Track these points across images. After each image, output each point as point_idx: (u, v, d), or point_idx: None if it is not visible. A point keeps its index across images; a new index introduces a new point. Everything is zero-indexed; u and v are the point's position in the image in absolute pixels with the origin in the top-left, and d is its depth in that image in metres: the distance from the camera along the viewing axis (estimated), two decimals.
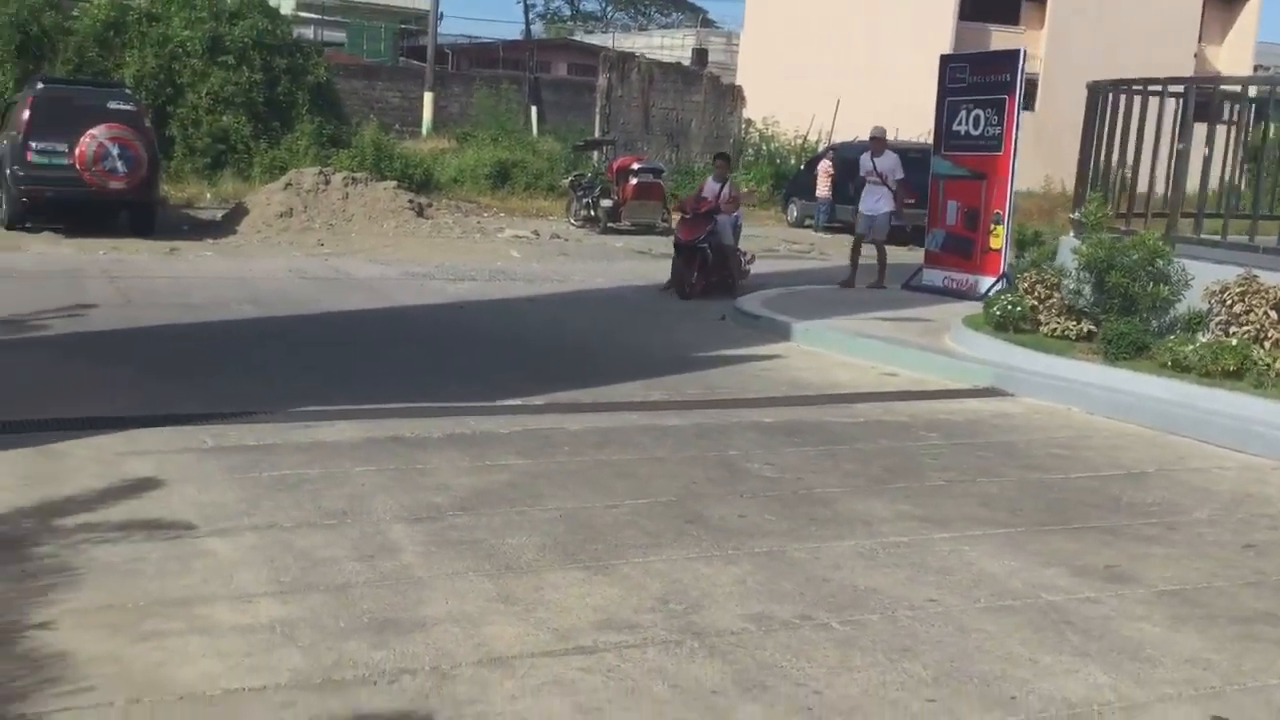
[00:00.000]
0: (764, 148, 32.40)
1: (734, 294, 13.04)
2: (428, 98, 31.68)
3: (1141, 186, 10.58)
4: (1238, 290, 8.30)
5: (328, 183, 18.98)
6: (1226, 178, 10.23)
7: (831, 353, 10.29)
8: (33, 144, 15.74)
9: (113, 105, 16.52)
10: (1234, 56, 39.90)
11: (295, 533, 4.94)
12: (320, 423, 6.83)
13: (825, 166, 24.45)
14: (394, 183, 20.22)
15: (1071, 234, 10.17)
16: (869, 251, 14.35)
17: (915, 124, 22.83)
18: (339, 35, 41.91)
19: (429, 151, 26.75)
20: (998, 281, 12.87)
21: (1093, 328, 9.24)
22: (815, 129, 32.01)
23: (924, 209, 14.83)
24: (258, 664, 3.69)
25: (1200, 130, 9.73)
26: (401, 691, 3.56)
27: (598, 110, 30.36)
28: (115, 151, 15.88)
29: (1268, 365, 7.89)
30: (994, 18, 37.00)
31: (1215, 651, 4.16)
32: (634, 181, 21.61)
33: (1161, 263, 8.79)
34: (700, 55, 46.83)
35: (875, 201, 14.20)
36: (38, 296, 11.02)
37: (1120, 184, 10.50)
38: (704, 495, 5.79)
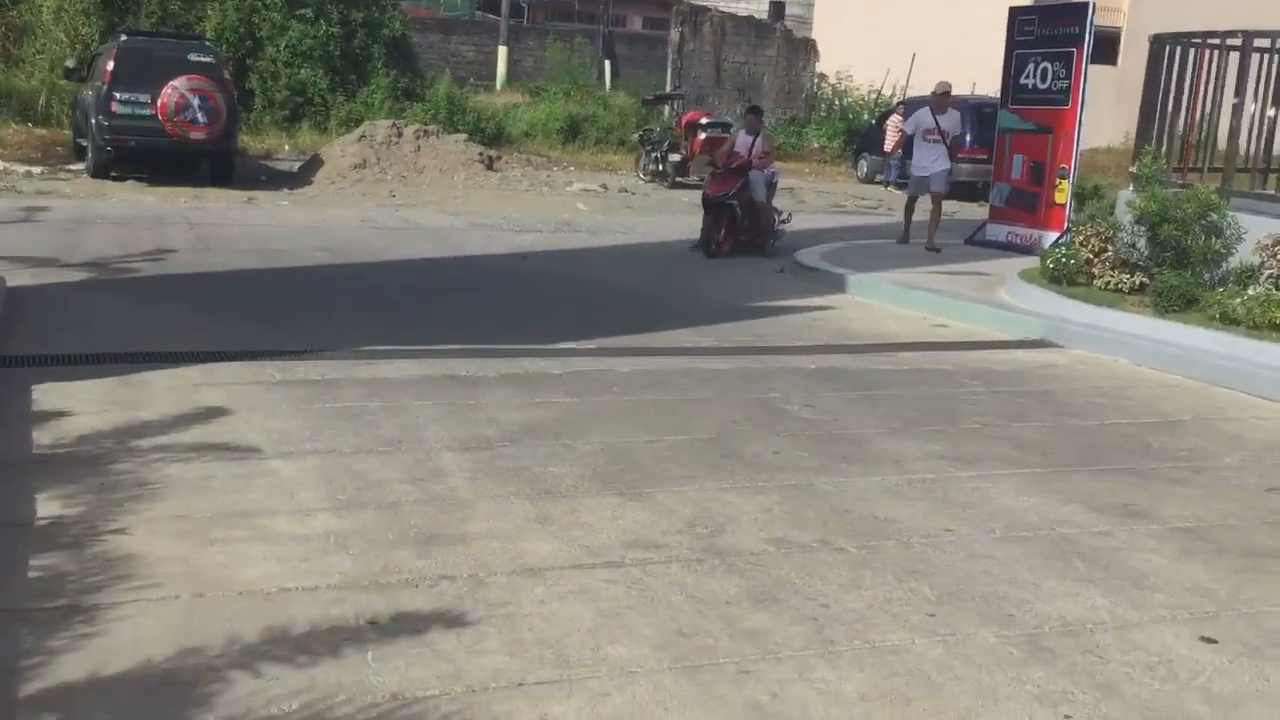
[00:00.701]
0: (836, 103, 32.24)
1: (766, 254, 12.85)
2: (502, 51, 31.96)
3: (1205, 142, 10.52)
4: None
5: (400, 135, 19.37)
6: None
7: (884, 304, 10.44)
8: (117, 95, 16.28)
9: (193, 57, 17.01)
10: None
11: (353, 457, 5.28)
12: (382, 361, 7.18)
13: (895, 122, 24.28)
14: (465, 136, 20.58)
15: (1131, 188, 10.16)
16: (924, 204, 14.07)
17: (992, 79, 22.63)
18: None
19: (502, 105, 27.07)
20: (1062, 236, 12.85)
21: (1145, 280, 9.30)
22: (890, 84, 31.77)
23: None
24: (312, 568, 4.03)
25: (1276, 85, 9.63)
26: (440, 595, 3.87)
27: (669, 64, 30.41)
28: (196, 102, 16.38)
29: None
30: None
31: (1216, 582, 4.33)
32: (702, 136, 21.69)
33: (1215, 216, 8.80)
34: (777, 8, 46.48)
35: (933, 160, 13.57)
36: (123, 241, 11.54)
37: (1182, 139, 10.46)
38: (741, 433, 6.04)
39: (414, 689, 3.23)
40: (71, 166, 17.86)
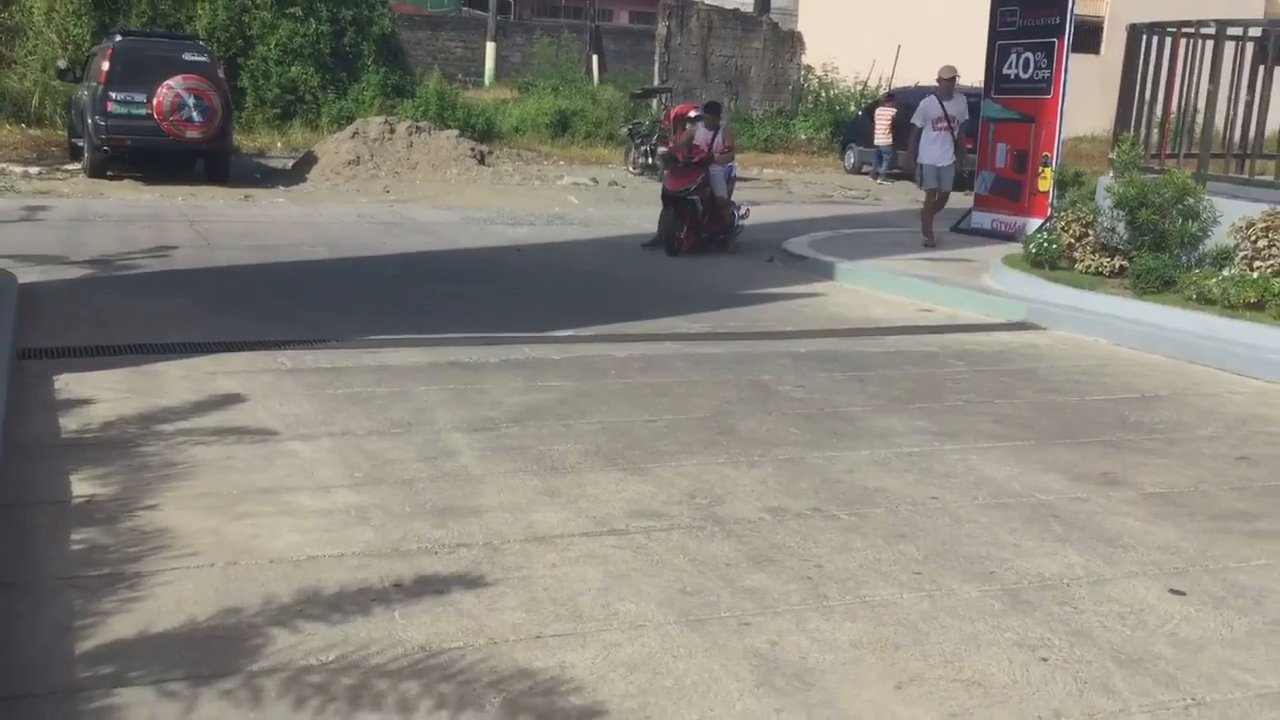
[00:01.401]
0: (823, 95, 32.51)
1: (728, 249, 12.68)
2: (490, 48, 32.18)
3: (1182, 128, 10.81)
4: (1262, 226, 8.60)
5: (393, 132, 19.58)
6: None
7: (872, 290, 10.72)
8: (113, 95, 16.44)
9: (187, 57, 17.19)
10: None
11: (366, 439, 5.53)
12: (387, 349, 7.43)
13: (885, 112, 24.49)
14: (456, 131, 20.79)
15: (1111, 174, 10.44)
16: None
17: (976, 70, 22.94)
18: None
19: (491, 101, 27.29)
20: (1045, 223, 13.14)
21: (1125, 264, 9.58)
22: (875, 75, 32.06)
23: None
24: (336, 538, 4.28)
25: (1249, 72, 9.90)
26: (458, 560, 4.13)
27: (656, 58, 30.64)
28: (191, 101, 16.57)
29: None
30: None
31: (1186, 541, 4.61)
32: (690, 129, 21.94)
33: (1191, 200, 9.09)
34: (762, 2, 46.79)
35: (944, 150, 12.87)
36: (124, 238, 11.75)
37: (1160, 126, 10.75)
38: (735, 412, 6.30)
39: (440, 642, 3.49)
40: (68, 166, 18.04)
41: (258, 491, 4.74)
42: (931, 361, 7.82)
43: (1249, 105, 9.94)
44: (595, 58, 33.67)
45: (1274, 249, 8.46)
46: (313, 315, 8.50)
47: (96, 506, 4.48)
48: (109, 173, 16.92)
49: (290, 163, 19.76)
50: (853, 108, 30.56)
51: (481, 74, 32.11)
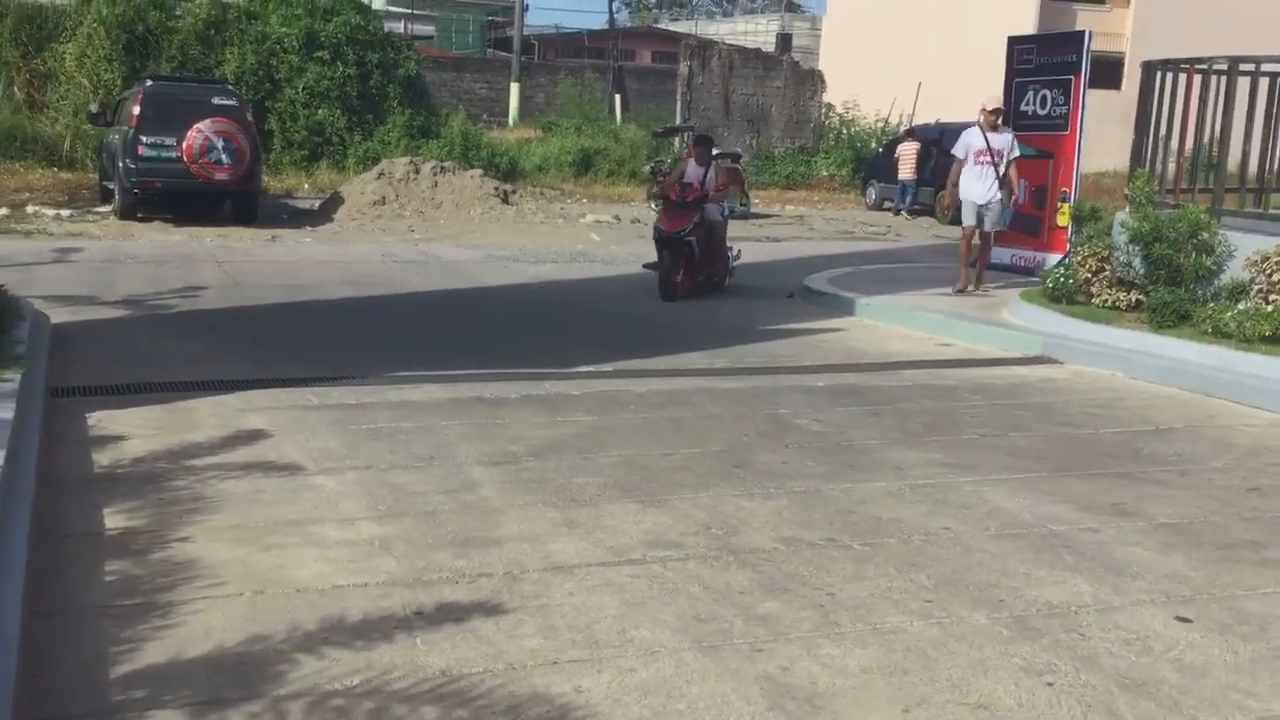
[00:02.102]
0: (844, 132, 32.74)
1: (722, 291, 12.27)
2: (514, 88, 32.59)
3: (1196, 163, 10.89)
4: (1276, 260, 8.66)
5: (418, 172, 19.87)
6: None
7: (891, 325, 10.82)
8: (143, 138, 16.80)
9: (216, 100, 17.56)
10: None
11: (390, 472, 5.66)
12: (410, 385, 7.57)
13: (908, 147, 24.64)
14: (480, 171, 21.07)
15: (1127, 210, 10.52)
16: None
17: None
18: (428, 29, 42.99)
19: (515, 141, 27.62)
20: (1064, 258, 13.21)
21: (1141, 298, 9.65)
22: (896, 112, 32.27)
23: None
24: (360, 568, 4.41)
25: (1265, 108, 9.98)
26: (479, 589, 4.25)
27: (679, 97, 30.95)
28: (220, 144, 16.91)
29: None
30: None
31: (1194, 570, 4.68)
32: None
33: (1205, 235, 9.16)
34: (784, 40, 47.19)
35: (985, 186, 11.79)
36: (155, 279, 11.99)
37: (1176, 161, 10.83)
38: (752, 445, 6.41)
39: (460, 667, 3.59)
40: (99, 209, 18.38)
41: (284, 524, 4.87)
42: (948, 395, 7.90)
43: (1265, 140, 10.03)
44: (618, 97, 34.04)
45: None
46: (338, 353, 8.67)
47: (130, 538, 4.62)
48: (139, 215, 17.24)
49: (317, 203, 20.07)
50: (874, 144, 30.76)
51: (506, 114, 32.51)
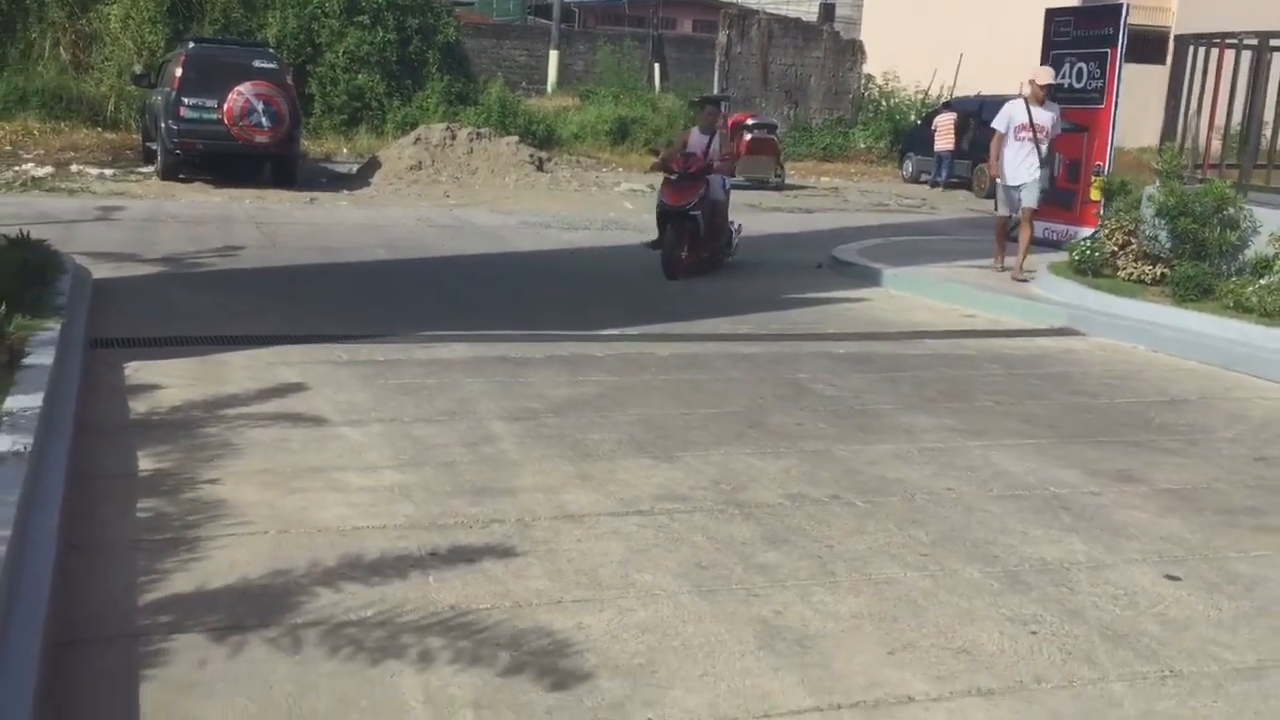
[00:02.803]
0: (883, 104, 32.60)
1: (724, 268, 11.73)
2: (553, 56, 32.64)
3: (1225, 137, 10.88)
4: None
5: (454, 138, 20.04)
6: None
7: (917, 296, 10.89)
8: (185, 100, 17.04)
9: (257, 64, 17.77)
10: None
11: (413, 425, 5.85)
12: (438, 344, 7.76)
13: (945, 118, 24.55)
14: (516, 138, 21.21)
15: (1158, 183, 10.53)
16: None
17: None
18: None
19: (552, 108, 27.73)
20: (1097, 232, 13.20)
21: (1166, 271, 9.68)
22: (937, 84, 32.07)
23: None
24: (380, 512, 4.60)
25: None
26: (491, 534, 4.43)
27: (716, 67, 30.92)
28: (260, 107, 17.13)
29: None
30: None
31: (1190, 533, 4.79)
32: (747, 137, 22.19)
33: (1231, 210, 9.18)
34: (827, 10, 46.87)
35: (1025, 166, 11.09)
36: (194, 238, 12.25)
37: (1207, 136, 10.81)
38: (768, 408, 6.55)
39: (469, 603, 3.78)
40: (141, 169, 18.69)
41: (310, 470, 5.07)
42: (967, 364, 8.00)
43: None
44: (657, 65, 34.04)
45: None
46: (370, 312, 8.87)
47: (161, 479, 4.83)
48: (180, 175, 17.52)
49: (355, 167, 20.29)
50: (913, 117, 30.63)
51: (545, 82, 32.59)
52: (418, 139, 19.97)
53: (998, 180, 11.42)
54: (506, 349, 7.71)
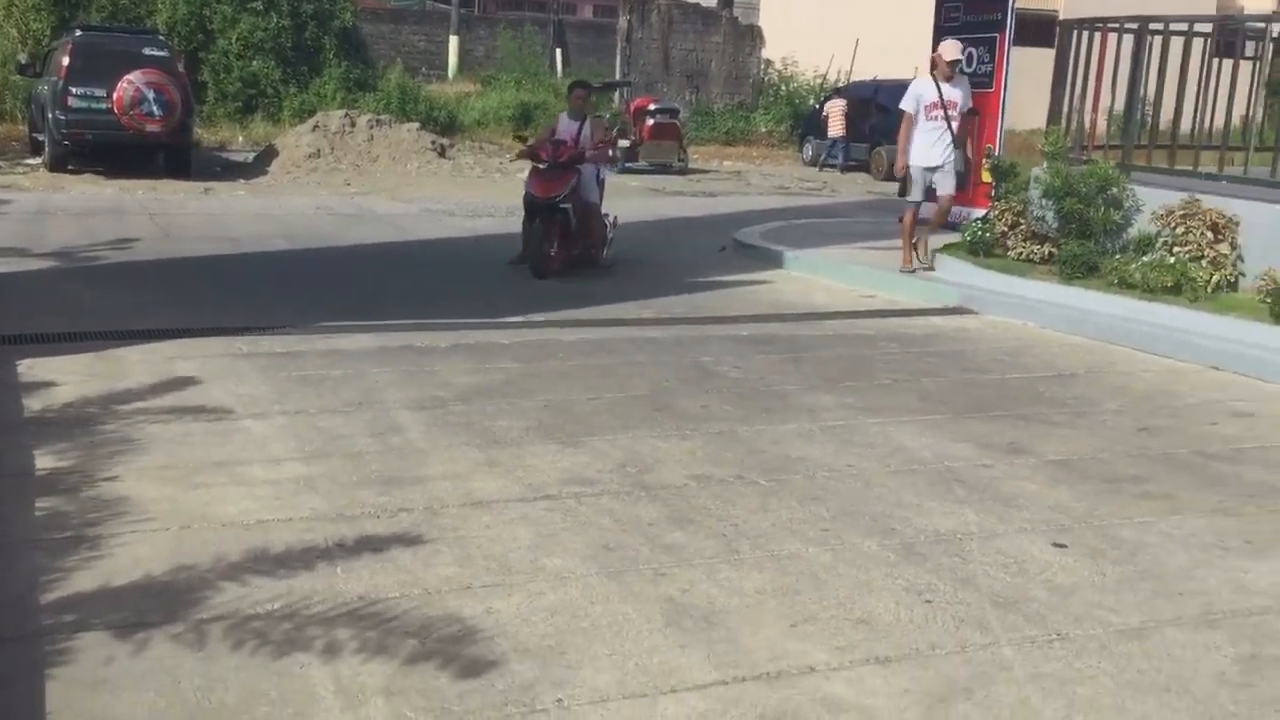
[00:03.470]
0: (783, 88, 32.94)
1: (599, 265, 10.92)
2: (453, 41, 32.37)
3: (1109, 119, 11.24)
4: (1180, 213, 9.02)
5: (354, 125, 19.81)
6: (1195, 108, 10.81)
7: (817, 278, 11.08)
8: (73, 89, 16.61)
9: (147, 51, 17.38)
10: None
11: (318, 417, 5.83)
12: (341, 335, 7.72)
13: (835, 104, 25.00)
14: (418, 125, 21.04)
15: (1045, 165, 10.84)
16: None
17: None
18: None
19: (454, 95, 27.51)
20: (988, 213, 13.54)
21: (1054, 250, 9.98)
22: (834, 69, 32.49)
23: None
24: (285, 505, 4.59)
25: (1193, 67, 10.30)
26: (399, 523, 4.45)
27: (618, 52, 30.96)
28: (151, 96, 16.76)
29: (1204, 282, 8.63)
30: None
31: (1077, 501, 4.99)
32: (650, 122, 22.32)
33: (1114, 190, 9.50)
34: None
35: (937, 146, 10.28)
36: (86, 231, 11.96)
37: (1091, 118, 11.15)
38: (673, 391, 6.64)
39: (378, 593, 3.80)
40: (28, 160, 18.17)
41: (212, 464, 5.03)
42: (865, 344, 8.18)
43: (1180, 97, 10.36)
44: (559, 51, 33.95)
45: (1191, 235, 8.87)
46: (270, 304, 8.77)
47: (59, 478, 4.76)
48: (70, 167, 17.08)
49: (251, 156, 19.95)
50: (811, 101, 30.98)
51: (445, 68, 32.31)
52: (316, 126, 19.70)
53: (910, 169, 10.38)
54: (412, 338, 7.70)
